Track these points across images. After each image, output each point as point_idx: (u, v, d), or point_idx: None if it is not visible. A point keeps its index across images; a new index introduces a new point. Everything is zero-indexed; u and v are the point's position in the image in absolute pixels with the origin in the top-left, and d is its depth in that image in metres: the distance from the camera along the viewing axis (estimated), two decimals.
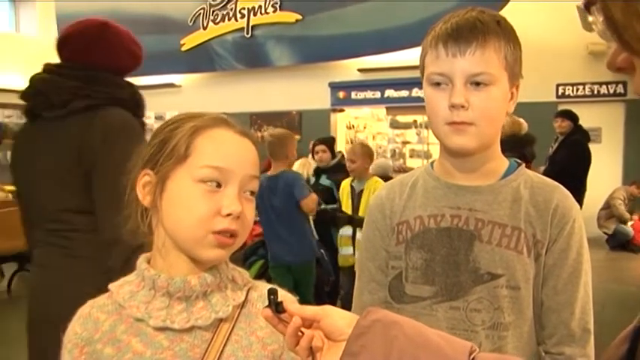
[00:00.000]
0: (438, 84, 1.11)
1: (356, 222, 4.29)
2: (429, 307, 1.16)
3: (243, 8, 11.36)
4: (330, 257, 4.62)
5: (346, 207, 4.45)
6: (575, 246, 1.13)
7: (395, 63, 9.87)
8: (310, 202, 3.98)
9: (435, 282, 1.17)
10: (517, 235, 1.13)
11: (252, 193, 0.99)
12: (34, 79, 1.80)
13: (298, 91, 11.13)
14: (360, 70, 10.83)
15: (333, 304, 1.09)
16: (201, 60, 11.88)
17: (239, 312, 1.00)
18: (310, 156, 5.86)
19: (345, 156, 4.70)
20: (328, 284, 4.71)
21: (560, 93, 9.49)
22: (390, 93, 10.58)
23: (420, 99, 1.19)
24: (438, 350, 0.73)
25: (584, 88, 9.39)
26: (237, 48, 11.54)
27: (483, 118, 1.09)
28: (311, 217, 4.41)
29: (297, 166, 5.31)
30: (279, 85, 11.26)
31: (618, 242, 8.53)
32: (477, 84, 1.09)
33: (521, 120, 4.84)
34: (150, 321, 0.94)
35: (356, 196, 4.38)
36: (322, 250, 4.57)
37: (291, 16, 10.84)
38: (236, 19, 11.50)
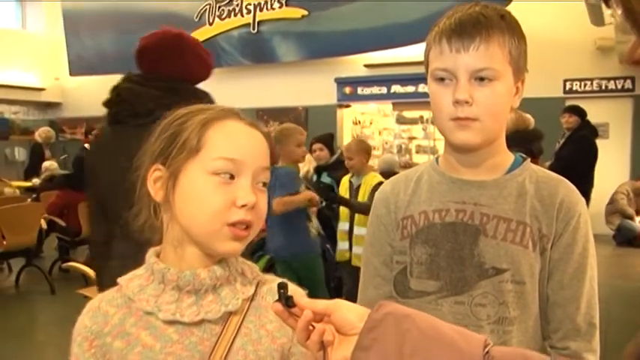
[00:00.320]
0: (442, 79, 1.11)
1: (349, 204, 4.30)
2: (434, 302, 1.16)
3: (249, 4, 11.36)
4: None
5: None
6: (581, 240, 1.13)
7: (401, 58, 9.85)
8: (277, 204, 3.80)
9: (439, 277, 1.16)
10: (522, 230, 1.13)
11: (264, 184, 0.99)
12: (119, 88, 1.90)
13: (304, 86, 11.12)
14: (366, 66, 10.81)
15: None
16: None
17: (248, 305, 1.00)
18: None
19: (344, 153, 4.69)
20: (334, 280, 4.70)
21: (567, 88, 9.43)
22: (396, 88, 10.55)
23: (426, 95, 1.19)
24: (451, 344, 0.73)
25: (591, 84, 9.33)
26: (244, 44, 11.53)
27: (488, 114, 1.09)
28: (313, 214, 4.39)
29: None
30: (285, 80, 11.25)
31: (624, 238, 8.47)
32: (481, 79, 1.08)
33: (528, 115, 4.82)
34: (159, 314, 0.94)
35: (354, 191, 4.40)
36: (328, 246, 4.56)
37: (297, 12, 10.81)
38: (242, 15, 11.49)
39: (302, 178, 4.39)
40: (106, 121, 1.93)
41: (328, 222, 4.71)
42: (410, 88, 10.28)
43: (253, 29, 11.35)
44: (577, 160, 5.69)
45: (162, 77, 1.88)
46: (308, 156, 5.90)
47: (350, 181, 4.48)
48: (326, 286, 4.38)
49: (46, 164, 8.29)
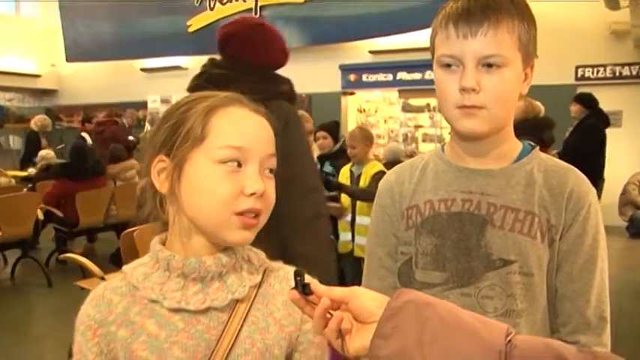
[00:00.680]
0: (448, 65, 1.10)
1: (348, 190, 4.31)
2: (440, 294, 1.16)
3: None
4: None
5: None
6: (591, 231, 1.12)
7: (407, 44, 9.81)
8: None
9: (445, 268, 1.17)
10: (530, 220, 1.12)
11: (270, 170, 0.99)
12: (208, 74, 2.04)
13: (308, 73, 11.05)
14: (371, 52, 10.77)
15: None
16: (209, 42, 11.74)
17: (256, 293, 1.01)
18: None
19: (347, 142, 4.69)
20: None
21: (579, 75, 9.38)
22: (402, 75, 10.52)
23: (433, 82, 1.18)
24: (473, 332, 0.73)
25: (604, 70, 9.26)
26: None
27: (495, 102, 1.08)
28: None
29: None
30: (287, 67, 11.09)
31: (637, 230, 8.44)
32: (489, 66, 1.07)
33: (538, 103, 4.80)
34: (164, 302, 0.95)
35: (355, 181, 4.41)
36: (332, 237, 4.56)
37: None
38: (244, 0, 11.45)
39: None
40: None
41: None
42: (416, 75, 10.25)
43: (255, 14, 11.30)
44: (583, 149, 5.64)
45: (250, 63, 2.03)
46: (313, 144, 5.89)
47: (351, 170, 4.49)
48: None
49: (42, 153, 8.29)
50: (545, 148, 4.50)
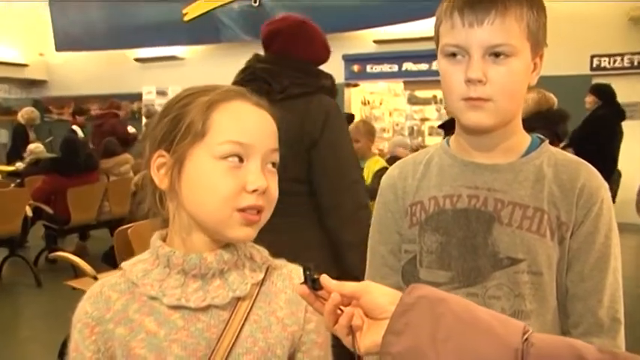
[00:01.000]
0: (453, 55, 1.10)
1: None
2: None
3: None
4: None
5: None
6: (604, 229, 1.12)
7: (414, 34, 9.78)
8: None
9: (451, 267, 1.17)
10: (539, 217, 1.13)
11: (273, 164, 1.01)
12: (253, 68, 2.23)
13: None
14: (375, 42, 10.76)
15: None
16: (206, 31, 11.83)
17: (258, 291, 1.02)
18: None
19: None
20: None
21: (595, 65, 9.32)
22: (408, 66, 10.50)
23: None
24: (488, 329, 0.73)
25: (622, 60, 9.20)
26: (245, 17, 11.46)
27: (502, 94, 1.08)
28: None
29: None
30: None
31: None
32: (497, 55, 1.07)
33: (551, 95, 4.78)
34: (164, 299, 0.97)
35: None
36: None
37: None
38: None
39: None
40: None
41: None
42: (423, 66, 10.22)
43: (255, 2, 11.28)
44: (591, 143, 5.55)
45: (294, 59, 2.21)
46: None
47: None
48: None
49: (31, 147, 8.29)
50: (558, 142, 4.48)
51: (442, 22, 1.12)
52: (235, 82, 2.20)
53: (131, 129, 8.94)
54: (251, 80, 2.18)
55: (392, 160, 4.54)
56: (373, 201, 1.39)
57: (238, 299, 1.00)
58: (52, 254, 5.34)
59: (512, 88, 1.09)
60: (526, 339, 0.73)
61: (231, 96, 1.00)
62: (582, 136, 5.75)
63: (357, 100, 11.67)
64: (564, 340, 0.75)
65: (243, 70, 2.26)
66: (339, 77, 10.91)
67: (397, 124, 12.10)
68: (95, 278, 3.52)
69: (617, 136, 6.02)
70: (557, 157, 1.18)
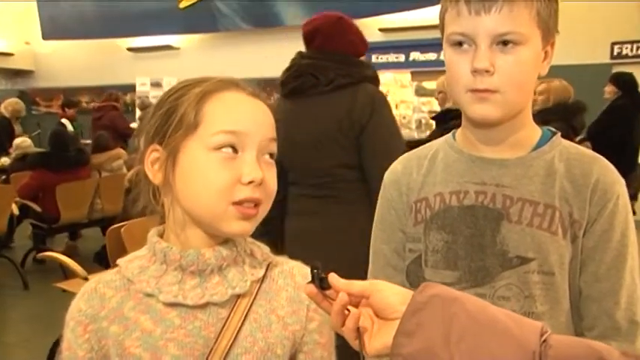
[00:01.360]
0: (459, 44, 1.10)
1: None
2: None
3: None
4: None
5: None
6: (620, 226, 1.12)
7: (421, 22, 9.76)
8: None
9: (457, 266, 1.18)
10: (551, 214, 1.12)
11: (271, 155, 1.01)
12: (298, 64, 2.50)
13: None
14: (381, 30, 10.74)
15: None
16: (202, 19, 11.82)
17: (258, 288, 1.03)
18: None
19: None
20: None
21: (615, 53, 9.26)
22: (415, 56, 10.49)
23: None
24: (504, 330, 0.73)
25: None
26: (243, 5, 11.44)
27: (511, 85, 1.07)
28: None
29: None
30: (290, 47, 10.89)
31: None
32: (505, 44, 1.06)
33: (568, 85, 4.78)
34: (160, 296, 0.98)
35: None
36: None
37: None
38: None
39: None
40: (282, 95, 2.56)
41: None
42: (431, 56, 10.21)
43: None
44: (609, 136, 5.48)
45: (335, 52, 2.45)
46: None
47: None
48: None
49: (17, 141, 8.24)
50: (574, 135, 4.44)
51: (447, 10, 1.12)
52: (283, 81, 2.52)
53: (134, 124, 8.91)
54: (298, 77, 2.47)
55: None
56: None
57: (238, 297, 1.01)
58: (40, 254, 5.33)
59: (520, 78, 1.09)
60: (544, 340, 0.72)
61: (225, 86, 1.01)
62: (600, 129, 5.71)
63: None
64: (583, 341, 0.75)
65: (288, 69, 2.53)
66: None
67: (404, 117, 12.04)
68: (86, 279, 3.52)
69: (637, 128, 5.98)
70: (570, 150, 1.18)
